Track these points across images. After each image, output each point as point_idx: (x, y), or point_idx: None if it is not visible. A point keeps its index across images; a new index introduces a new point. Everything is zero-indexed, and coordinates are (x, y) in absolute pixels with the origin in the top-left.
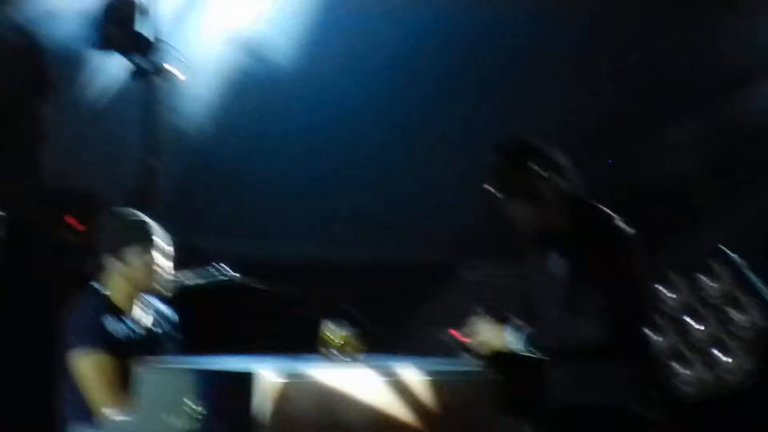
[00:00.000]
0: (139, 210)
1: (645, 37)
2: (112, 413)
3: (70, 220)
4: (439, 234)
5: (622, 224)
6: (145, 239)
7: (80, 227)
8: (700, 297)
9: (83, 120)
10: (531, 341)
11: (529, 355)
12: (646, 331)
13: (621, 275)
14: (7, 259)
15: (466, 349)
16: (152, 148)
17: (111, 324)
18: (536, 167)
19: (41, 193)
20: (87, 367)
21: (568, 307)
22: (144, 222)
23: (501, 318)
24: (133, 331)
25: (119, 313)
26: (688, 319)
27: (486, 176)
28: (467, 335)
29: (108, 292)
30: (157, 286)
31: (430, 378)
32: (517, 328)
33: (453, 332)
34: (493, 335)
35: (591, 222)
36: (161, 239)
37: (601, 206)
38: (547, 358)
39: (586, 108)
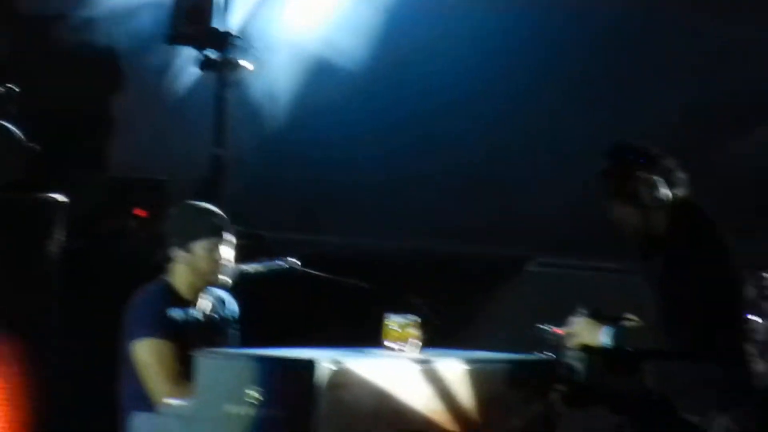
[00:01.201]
0: (207, 201)
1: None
2: (172, 401)
3: (138, 211)
4: (512, 229)
5: (722, 231)
6: (213, 234)
7: (147, 217)
8: (763, 294)
9: (155, 113)
10: (619, 338)
11: (618, 350)
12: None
13: (716, 282)
14: (72, 245)
15: (561, 344)
16: (223, 141)
17: (173, 313)
18: (640, 171)
19: (110, 184)
20: (148, 355)
21: (662, 309)
22: (214, 216)
23: (603, 317)
24: (193, 318)
25: (183, 303)
26: (752, 316)
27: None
28: (564, 331)
29: (173, 283)
30: (222, 278)
31: (480, 368)
32: (616, 327)
33: (555, 329)
34: (588, 333)
35: (692, 228)
36: (229, 232)
37: (704, 211)
38: (637, 354)
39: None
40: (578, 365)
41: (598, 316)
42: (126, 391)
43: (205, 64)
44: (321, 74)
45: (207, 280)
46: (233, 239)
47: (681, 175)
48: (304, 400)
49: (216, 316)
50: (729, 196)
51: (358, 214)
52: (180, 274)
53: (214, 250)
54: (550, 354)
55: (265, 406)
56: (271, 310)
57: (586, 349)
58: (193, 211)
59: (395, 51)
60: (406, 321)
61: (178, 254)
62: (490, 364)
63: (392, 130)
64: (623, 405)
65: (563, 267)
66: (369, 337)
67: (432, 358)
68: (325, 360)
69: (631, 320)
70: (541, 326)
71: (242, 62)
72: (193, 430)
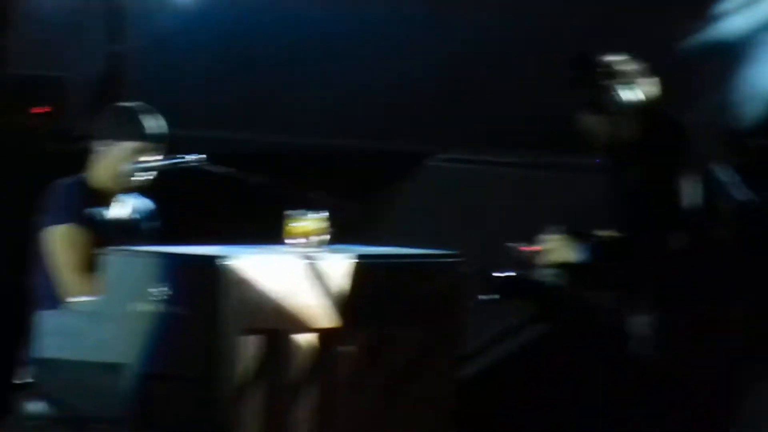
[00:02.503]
0: (108, 97)
1: None
2: (77, 299)
3: (37, 108)
4: (409, 122)
5: (688, 134)
6: (141, 138)
7: (45, 114)
8: None
9: (53, 8)
10: (594, 253)
11: (594, 265)
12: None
13: (674, 188)
14: None
15: (534, 261)
16: (121, 36)
17: (88, 207)
18: (605, 79)
19: (8, 81)
20: (59, 241)
21: (624, 217)
22: (147, 120)
23: (576, 232)
24: (108, 217)
25: (99, 200)
26: None
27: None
28: (537, 248)
29: (91, 179)
30: (139, 181)
31: (381, 264)
32: (589, 242)
33: (523, 248)
34: (563, 249)
35: (657, 133)
36: (157, 141)
37: (671, 115)
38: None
39: None
40: (553, 282)
41: (572, 232)
42: (36, 287)
43: None
44: None
45: (124, 182)
46: (159, 147)
47: (647, 80)
48: (209, 297)
49: (131, 218)
50: None
51: (260, 110)
52: (99, 171)
53: (137, 154)
54: (522, 271)
55: (171, 304)
56: (176, 208)
57: (561, 265)
58: (126, 112)
59: None
60: (310, 217)
61: (102, 151)
62: (393, 259)
63: (294, 25)
64: (601, 319)
65: (463, 162)
66: (272, 234)
67: (332, 255)
68: (230, 257)
69: (603, 235)
70: (513, 244)
71: None
72: (99, 327)
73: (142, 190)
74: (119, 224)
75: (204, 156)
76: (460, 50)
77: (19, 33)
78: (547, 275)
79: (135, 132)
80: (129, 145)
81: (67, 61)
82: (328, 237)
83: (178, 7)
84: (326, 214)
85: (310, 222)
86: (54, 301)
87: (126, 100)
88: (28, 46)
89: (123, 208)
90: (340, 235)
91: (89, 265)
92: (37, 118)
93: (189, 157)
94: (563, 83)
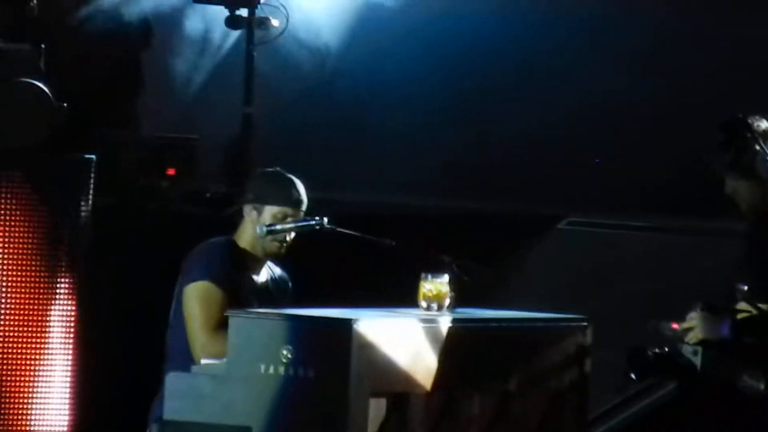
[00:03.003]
0: (237, 160)
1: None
2: (210, 358)
3: (170, 170)
4: (541, 186)
5: None
6: (288, 204)
7: (178, 176)
8: None
9: (186, 72)
10: (738, 330)
11: (738, 342)
12: None
13: None
14: (102, 204)
15: (679, 338)
16: (251, 98)
17: (232, 269)
18: (756, 144)
19: (141, 143)
20: (198, 297)
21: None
22: (296, 189)
23: (718, 309)
24: (251, 282)
25: (243, 264)
26: None
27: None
28: (681, 326)
29: (237, 242)
30: (282, 250)
31: (510, 327)
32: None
33: (673, 324)
34: (706, 327)
35: None
36: (303, 211)
37: None
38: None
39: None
40: (696, 359)
41: (714, 309)
42: (171, 345)
43: (234, 23)
44: (352, 31)
45: (268, 248)
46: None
47: None
48: (337, 360)
49: (271, 284)
50: None
51: (388, 172)
52: (246, 234)
53: (283, 220)
54: (668, 348)
55: (298, 366)
56: (302, 270)
57: (704, 343)
58: (277, 177)
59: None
60: (441, 280)
61: (250, 214)
62: (520, 323)
63: (420, 91)
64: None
65: (593, 226)
66: (400, 296)
67: (460, 317)
68: (358, 320)
69: (745, 310)
70: (658, 321)
71: (271, 20)
72: (226, 390)
73: (281, 254)
74: (259, 289)
75: (326, 220)
76: (593, 110)
77: (153, 96)
78: (689, 352)
79: (285, 197)
80: (277, 210)
81: (200, 123)
82: (456, 299)
83: (306, 71)
84: (457, 276)
85: (442, 284)
86: (187, 360)
87: (256, 163)
88: (161, 108)
89: (265, 274)
90: (470, 297)
91: (223, 325)
92: (168, 180)
93: (312, 220)
94: (707, 145)
